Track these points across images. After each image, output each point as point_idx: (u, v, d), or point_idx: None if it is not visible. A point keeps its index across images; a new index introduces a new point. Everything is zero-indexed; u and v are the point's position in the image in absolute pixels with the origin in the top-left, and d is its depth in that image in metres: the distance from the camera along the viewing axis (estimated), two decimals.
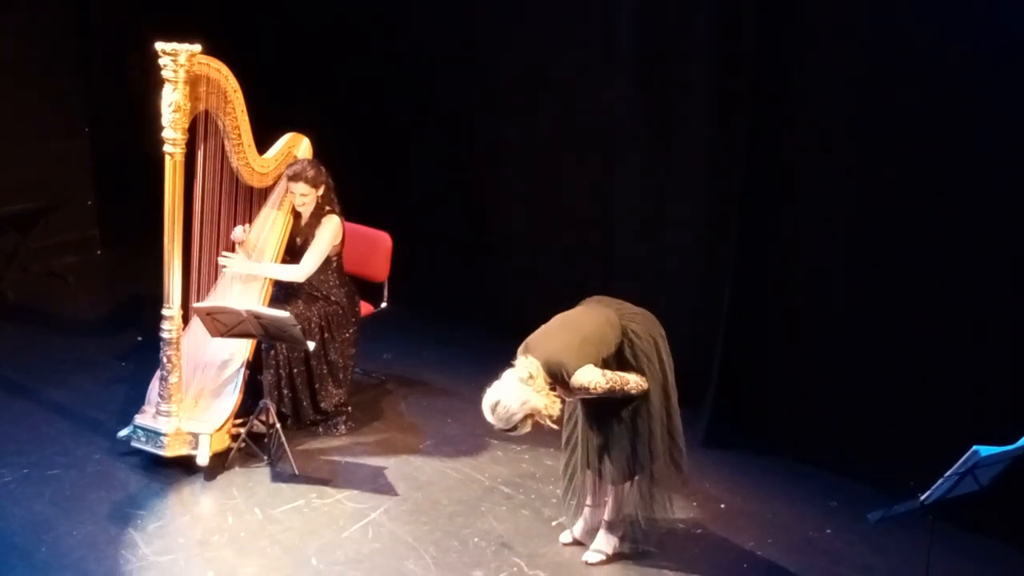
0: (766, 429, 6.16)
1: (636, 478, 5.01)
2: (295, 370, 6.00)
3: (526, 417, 4.62)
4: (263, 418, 5.85)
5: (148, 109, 5.99)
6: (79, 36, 8.43)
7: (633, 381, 4.80)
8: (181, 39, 5.54)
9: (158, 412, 5.77)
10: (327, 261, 6.05)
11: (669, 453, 5.03)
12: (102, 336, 7.24)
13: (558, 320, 4.90)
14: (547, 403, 4.63)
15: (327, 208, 6.06)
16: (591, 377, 4.71)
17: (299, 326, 5.56)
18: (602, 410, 4.92)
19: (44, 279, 8.10)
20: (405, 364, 6.98)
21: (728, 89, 6.04)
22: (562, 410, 4.79)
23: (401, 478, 5.76)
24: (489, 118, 7.36)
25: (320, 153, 6.25)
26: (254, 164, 5.96)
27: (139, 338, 7.07)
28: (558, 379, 4.69)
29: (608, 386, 4.73)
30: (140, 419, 5.81)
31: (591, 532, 5.21)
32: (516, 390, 4.61)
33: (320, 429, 6.14)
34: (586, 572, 5.09)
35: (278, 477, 5.70)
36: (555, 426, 4.77)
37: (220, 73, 5.69)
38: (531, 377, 4.63)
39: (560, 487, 5.26)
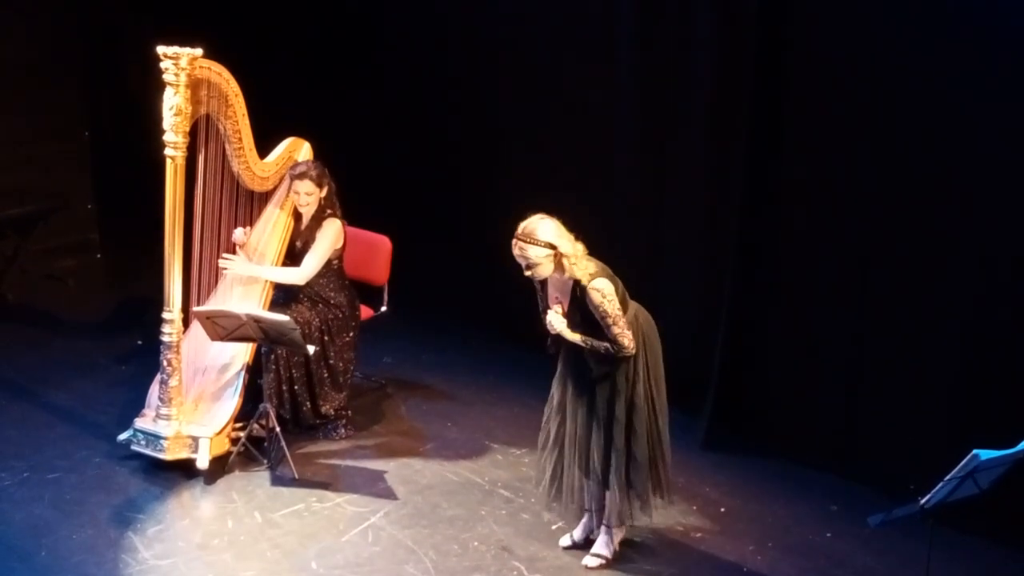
0: (766, 432, 6.17)
1: (632, 481, 4.99)
2: (295, 374, 5.99)
3: (549, 249, 4.67)
4: (263, 422, 5.85)
5: (149, 112, 5.99)
6: (79, 38, 8.43)
7: (630, 335, 4.78)
8: (182, 42, 5.54)
9: (158, 416, 5.77)
10: (328, 265, 6.05)
11: (658, 458, 5.02)
12: (102, 339, 7.23)
13: None
14: (574, 263, 4.69)
15: (328, 211, 6.06)
16: (608, 289, 4.72)
17: (299, 330, 5.56)
18: (595, 412, 4.92)
19: (44, 282, 8.09)
20: (405, 368, 6.99)
21: (728, 89, 6.05)
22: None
23: (401, 482, 5.76)
24: (489, 121, 7.37)
25: (320, 157, 6.25)
26: (255, 168, 5.96)
27: (139, 342, 7.07)
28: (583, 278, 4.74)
29: (614, 313, 4.72)
30: (140, 423, 5.81)
31: (591, 536, 5.21)
32: (559, 230, 4.70)
33: (320, 433, 6.14)
34: None
35: (278, 481, 5.70)
36: (549, 301, 4.87)
37: (221, 77, 5.69)
38: (574, 241, 4.72)
39: (545, 487, 5.20)
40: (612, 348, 4.79)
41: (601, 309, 4.74)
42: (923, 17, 5.39)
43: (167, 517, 5.42)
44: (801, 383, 6.06)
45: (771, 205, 6.01)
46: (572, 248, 4.76)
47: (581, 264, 4.76)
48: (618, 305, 4.77)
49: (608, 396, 4.88)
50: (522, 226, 4.76)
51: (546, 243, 4.72)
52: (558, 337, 4.88)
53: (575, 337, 4.83)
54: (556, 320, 4.85)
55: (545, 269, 4.78)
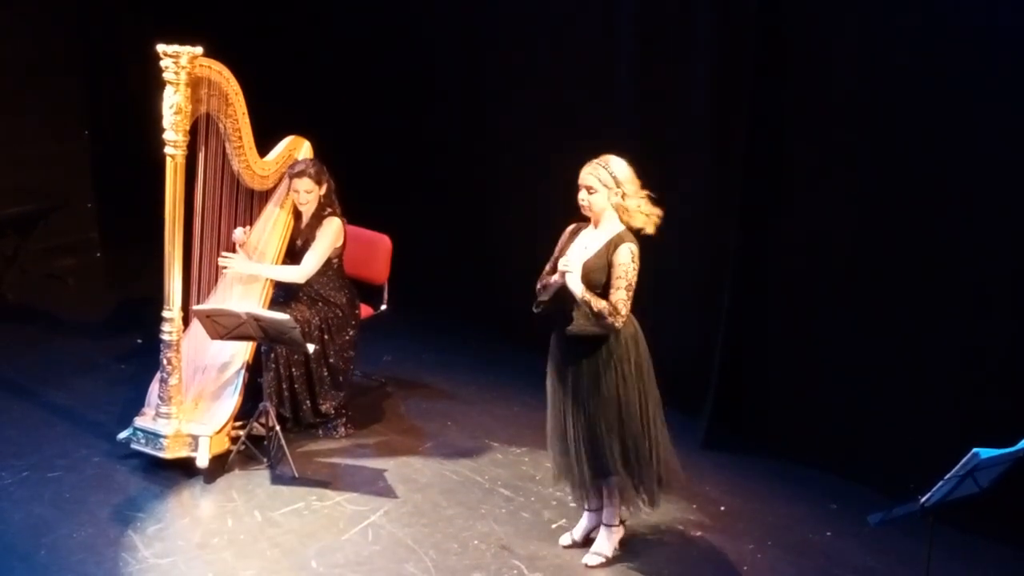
0: (766, 431, 6.17)
1: (632, 479, 4.99)
2: (295, 372, 5.99)
3: (615, 183, 4.78)
4: (263, 420, 5.85)
5: (149, 111, 5.99)
6: (79, 37, 8.43)
7: (628, 311, 4.78)
8: (183, 41, 5.54)
9: (158, 414, 5.77)
10: (327, 263, 6.05)
11: (658, 457, 5.01)
12: (102, 338, 7.24)
13: None
14: (633, 209, 4.81)
15: (328, 210, 6.06)
16: (637, 259, 4.78)
17: (298, 328, 5.56)
18: (584, 407, 4.91)
19: (44, 281, 8.09)
20: (405, 366, 6.99)
21: (728, 89, 6.05)
22: None
23: (401, 480, 5.76)
24: (489, 119, 7.37)
25: (320, 155, 6.26)
26: (255, 167, 5.96)
27: (139, 340, 7.07)
28: (620, 238, 4.81)
29: (631, 280, 4.75)
30: (140, 421, 5.81)
31: (591, 535, 5.21)
32: (632, 175, 4.85)
33: (320, 431, 6.14)
34: (586, 575, 5.09)
35: (278, 479, 5.70)
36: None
37: (222, 75, 5.69)
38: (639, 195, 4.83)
39: (554, 476, 5.20)
40: (607, 311, 4.73)
41: (623, 268, 4.75)
42: (923, 17, 5.39)
43: (167, 516, 5.42)
44: (801, 383, 6.05)
45: (771, 206, 6.00)
46: (636, 193, 4.84)
47: (637, 218, 4.84)
48: (635, 274, 4.79)
49: (598, 392, 4.87)
50: (603, 156, 4.89)
51: (615, 176, 4.80)
52: (558, 292, 4.83)
53: (578, 286, 4.76)
54: (575, 260, 4.82)
55: (601, 199, 4.82)
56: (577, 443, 4.96)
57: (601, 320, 4.75)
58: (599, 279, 4.81)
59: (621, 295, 4.76)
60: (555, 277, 4.86)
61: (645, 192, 4.88)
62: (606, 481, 5.01)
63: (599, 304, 4.75)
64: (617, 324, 4.77)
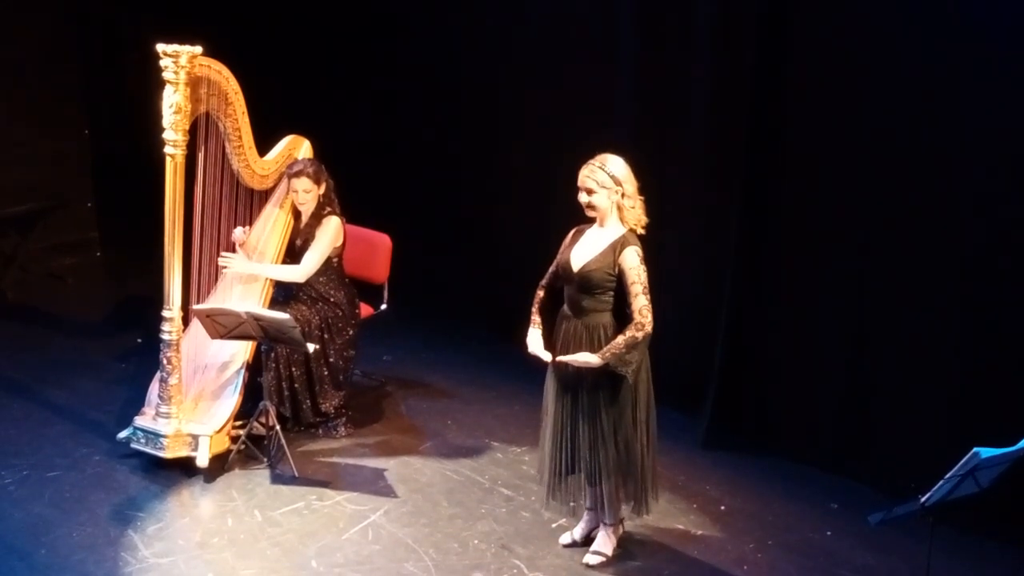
0: (766, 430, 6.17)
1: (628, 479, 4.99)
2: (295, 372, 5.99)
3: (614, 183, 4.78)
4: (263, 420, 5.85)
5: (148, 110, 5.99)
6: (79, 36, 8.44)
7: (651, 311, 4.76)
8: (182, 40, 5.54)
9: (158, 414, 5.77)
10: (327, 263, 6.05)
11: (644, 463, 5.01)
12: (102, 337, 7.24)
13: None
14: (632, 207, 4.82)
15: (327, 209, 6.06)
16: (641, 256, 4.79)
17: (299, 328, 5.56)
18: (583, 410, 4.91)
19: (44, 280, 8.10)
20: (405, 366, 6.99)
21: (728, 89, 6.05)
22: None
23: (401, 480, 5.76)
24: (489, 119, 7.37)
25: (320, 155, 6.26)
26: (255, 166, 5.96)
27: (139, 340, 7.07)
28: (624, 240, 4.81)
29: (645, 280, 4.75)
30: (140, 421, 5.81)
31: (591, 534, 5.21)
32: (630, 174, 4.84)
33: (320, 431, 6.14)
34: (586, 574, 5.09)
35: (278, 479, 5.70)
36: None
37: (221, 75, 5.69)
38: (637, 195, 4.85)
39: (543, 483, 5.17)
40: (634, 326, 4.72)
41: (635, 272, 4.75)
42: (925, 16, 5.38)
43: (167, 515, 5.42)
44: (801, 383, 6.05)
45: (771, 205, 6.00)
46: (634, 193, 4.85)
47: (635, 214, 4.85)
48: (647, 278, 4.79)
49: (598, 394, 4.87)
50: (599, 156, 4.88)
51: (613, 176, 4.80)
52: (572, 279, 4.86)
53: (594, 358, 4.74)
54: (588, 356, 4.79)
55: (602, 199, 4.82)
56: (573, 444, 4.95)
57: (635, 343, 4.75)
58: (603, 279, 4.81)
59: (642, 300, 4.75)
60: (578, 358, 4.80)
61: (641, 198, 4.88)
62: (600, 485, 5.00)
63: (622, 342, 4.73)
64: (648, 330, 4.77)
